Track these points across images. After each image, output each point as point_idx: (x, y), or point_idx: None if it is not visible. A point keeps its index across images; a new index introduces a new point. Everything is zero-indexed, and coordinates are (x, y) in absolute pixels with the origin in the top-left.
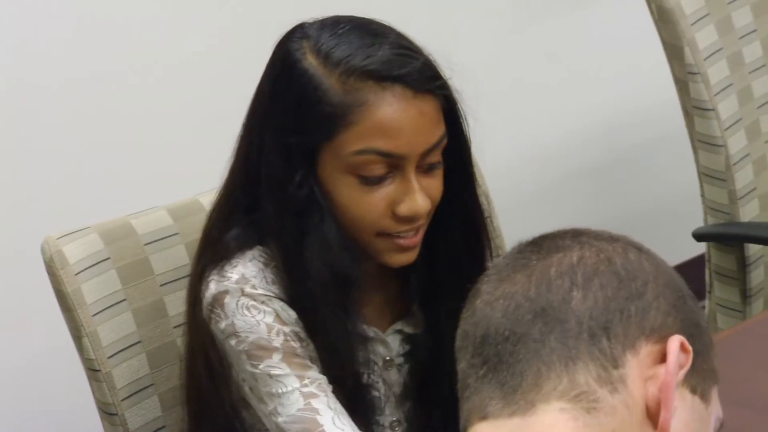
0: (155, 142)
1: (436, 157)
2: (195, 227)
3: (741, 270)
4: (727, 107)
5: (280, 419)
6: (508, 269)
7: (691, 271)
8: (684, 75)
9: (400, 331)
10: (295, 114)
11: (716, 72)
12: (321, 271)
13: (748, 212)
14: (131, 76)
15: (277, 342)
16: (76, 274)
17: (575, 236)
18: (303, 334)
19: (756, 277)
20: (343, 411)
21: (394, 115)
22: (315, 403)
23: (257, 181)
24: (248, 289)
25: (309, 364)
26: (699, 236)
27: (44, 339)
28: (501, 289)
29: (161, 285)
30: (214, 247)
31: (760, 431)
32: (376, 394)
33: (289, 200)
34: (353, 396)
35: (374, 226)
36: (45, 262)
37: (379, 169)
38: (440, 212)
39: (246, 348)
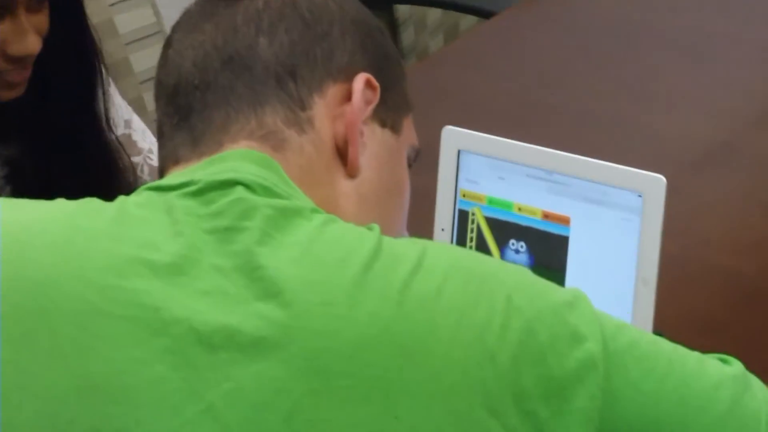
0: None
1: None
2: None
3: (392, 31)
4: None
5: None
6: (197, 17)
7: None
8: None
9: None
10: None
11: None
12: None
13: None
14: None
15: None
16: None
17: None
18: None
19: (407, 37)
20: None
21: None
22: None
23: None
24: None
25: None
26: None
27: None
28: (191, 38)
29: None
30: None
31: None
32: None
33: None
34: None
35: None
36: None
37: None
38: (49, 44)
39: None
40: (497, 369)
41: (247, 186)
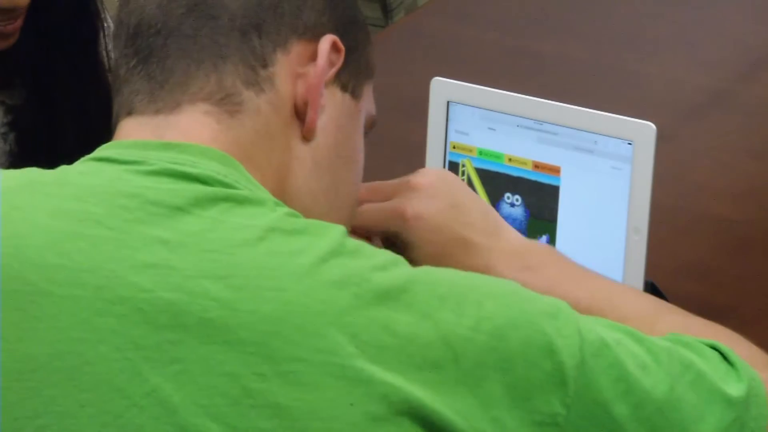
0: None
1: None
2: None
3: None
4: None
5: None
6: None
7: None
8: None
9: (2, 103)
10: None
11: None
12: None
13: None
14: None
15: None
16: None
17: None
18: None
19: None
20: None
21: None
22: None
23: None
24: None
25: None
26: None
27: None
28: None
29: None
30: None
31: (404, 129)
32: None
33: None
34: None
35: None
36: None
37: None
38: None
39: None
40: (459, 371)
41: (204, 182)
